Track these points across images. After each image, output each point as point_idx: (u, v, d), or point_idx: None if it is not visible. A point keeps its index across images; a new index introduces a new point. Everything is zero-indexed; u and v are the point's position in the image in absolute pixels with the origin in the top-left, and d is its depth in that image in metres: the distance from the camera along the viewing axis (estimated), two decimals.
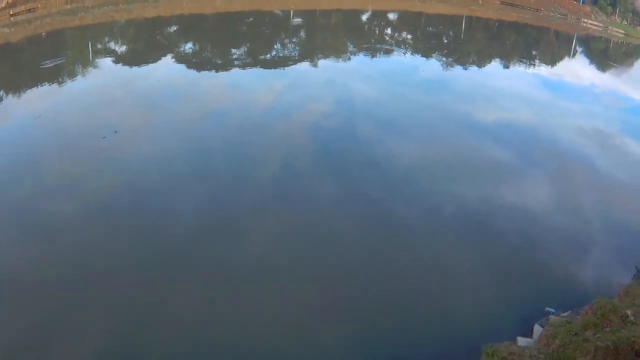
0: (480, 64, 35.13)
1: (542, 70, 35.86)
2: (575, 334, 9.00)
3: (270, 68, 28.21)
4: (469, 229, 13.93)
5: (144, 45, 32.40)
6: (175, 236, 12.79)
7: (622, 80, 37.19)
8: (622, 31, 56.43)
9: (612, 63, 43.22)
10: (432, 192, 15.56)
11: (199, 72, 26.28)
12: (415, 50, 36.52)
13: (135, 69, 26.20)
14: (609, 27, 56.66)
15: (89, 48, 29.41)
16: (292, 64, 29.27)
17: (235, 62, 28.58)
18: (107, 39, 31.92)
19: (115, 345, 9.71)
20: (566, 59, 42.64)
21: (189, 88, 23.32)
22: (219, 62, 29.16)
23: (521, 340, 9.87)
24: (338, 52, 33.11)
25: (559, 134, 21.49)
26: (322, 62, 30.13)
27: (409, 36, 41.02)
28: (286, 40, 36.16)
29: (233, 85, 24.37)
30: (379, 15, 43.93)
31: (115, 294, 10.87)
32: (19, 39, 30.63)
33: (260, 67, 28.05)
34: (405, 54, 34.92)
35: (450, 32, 42.77)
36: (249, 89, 23.79)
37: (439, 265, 12.37)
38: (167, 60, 27.66)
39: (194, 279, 11.43)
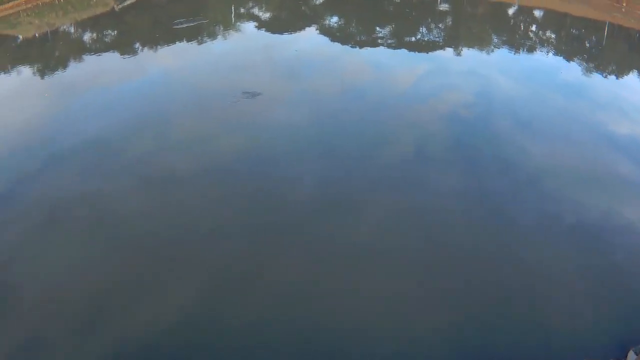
0: (619, 75, 32.47)
1: None
2: None
3: (413, 51, 27.08)
4: (583, 240, 12.69)
5: (289, 14, 32.05)
6: (289, 208, 12.68)
7: None
8: None
9: None
10: (553, 197, 14.25)
11: (342, 46, 25.49)
12: (558, 51, 34.30)
13: (277, 36, 25.97)
14: None
15: (231, 10, 29.60)
16: (435, 50, 28.02)
17: (379, 41, 27.65)
18: (250, 3, 32.06)
19: (199, 308, 9.78)
20: None
21: (329, 61, 22.83)
22: (363, 38, 28.33)
23: None
24: (482, 43, 31.57)
25: None
26: (465, 51, 28.72)
27: (553, 35, 38.66)
28: (432, 25, 34.98)
29: (373, 64, 23.46)
30: (525, 11, 41.69)
31: (213, 256, 10.96)
32: None
33: (404, 49, 27.05)
34: (547, 54, 32.79)
35: (593, 37, 40.05)
36: (389, 69, 22.88)
37: (542, 269, 11.48)
38: (311, 31, 27.22)
39: (298, 253, 11.28)
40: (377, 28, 30.55)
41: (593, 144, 18.05)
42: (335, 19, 31.73)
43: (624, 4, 45.88)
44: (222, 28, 26.53)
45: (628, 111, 23.45)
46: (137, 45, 24.54)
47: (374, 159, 15.06)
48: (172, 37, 24.71)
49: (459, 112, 18.98)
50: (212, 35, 25.35)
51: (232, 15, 28.77)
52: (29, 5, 28.97)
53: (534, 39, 36.39)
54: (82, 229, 12.05)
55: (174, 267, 10.74)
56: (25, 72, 22.17)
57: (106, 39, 26.04)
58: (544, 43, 35.63)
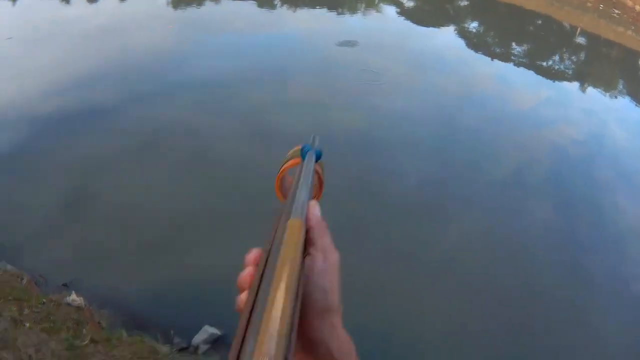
0: None
1: None
2: None
3: (542, 75, 26.62)
4: None
5: (432, 8, 31.97)
6: (377, 201, 12.55)
7: None
8: None
9: None
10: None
11: (476, 52, 25.41)
12: None
13: (415, 26, 26.04)
14: None
15: None
16: (561, 80, 27.48)
17: (512, 57, 27.28)
18: None
19: None
20: None
21: (458, 65, 22.65)
22: (497, 50, 28.08)
23: None
24: (608, 86, 30.78)
25: None
26: (590, 90, 28.10)
27: None
28: (565, 55, 34.23)
29: (500, 77, 23.19)
30: None
31: None
32: None
33: (533, 71, 26.65)
34: None
35: None
36: (513, 87, 22.51)
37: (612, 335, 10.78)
38: (449, 30, 27.18)
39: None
40: (513, 44, 30.18)
41: None
42: (475, 24, 31.52)
43: None
44: (363, 5, 26.76)
45: None
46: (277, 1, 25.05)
47: (474, 170, 14.85)
48: (312, 1, 25.09)
49: (568, 147, 18.36)
50: (352, 10, 25.64)
51: None
52: None
53: None
54: (177, 158, 12.42)
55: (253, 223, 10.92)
56: None
57: None
58: None
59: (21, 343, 6.88)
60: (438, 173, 14.26)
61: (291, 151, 1.58)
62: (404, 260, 11.10)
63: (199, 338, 8.08)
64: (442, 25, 27.64)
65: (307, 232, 1.14)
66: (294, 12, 24.65)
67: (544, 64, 29.66)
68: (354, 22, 24.62)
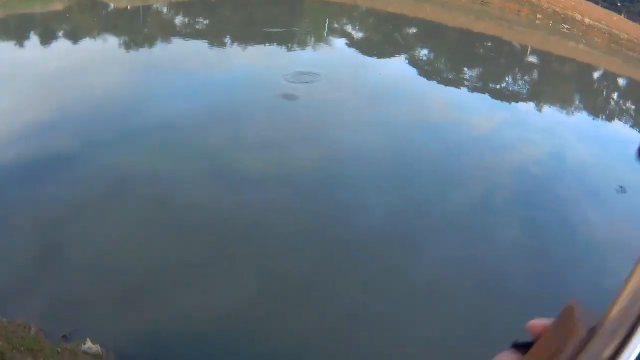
0: None
1: None
2: None
3: (496, 98, 26.46)
4: None
5: (381, 38, 31.69)
6: (350, 232, 12.17)
7: None
8: None
9: None
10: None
11: (428, 80, 25.03)
12: (637, 124, 33.24)
13: (365, 57, 25.68)
14: None
15: (326, 23, 29.47)
16: (517, 101, 27.39)
17: (465, 82, 27.05)
18: (345, 20, 31.90)
19: (243, 306, 9.22)
20: None
21: (412, 92, 22.41)
22: (449, 76, 27.80)
23: None
24: (564, 102, 30.78)
25: None
26: (546, 108, 27.97)
27: (632, 107, 37.58)
28: (518, 75, 34.27)
29: (455, 103, 22.89)
30: (609, 76, 40.72)
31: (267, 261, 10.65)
32: None
33: (487, 94, 26.46)
34: (625, 124, 31.67)
35: None
36: (469, 111, 22.22)
37: None
38: (400, 60, 26.76)
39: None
40: (465, 69, 30.00)
41: None
42: (425, 51, 31.27)
43: None
44: (313, 39, 26.38)
45: None
46: (226, 39, 24.52)
47: (439, 199, 14.52)
48: (262, 39, 24.61)
49: (529, 168, 18.24)
50: (302, 44, 25.24)
51: (325, 28, 28.58)
52: None
53: (613, 106, 35.25)
54: (142, 204, 12.13)
55: (226, 261, 10.59)
56: (111, 41, 22.27)
57: (197, 26, 26.05)
58: (623, 113, 34.53)
59: None
60: (399, 206, 13.79)
61: None
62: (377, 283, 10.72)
63: None
64: (393, 55, 27.33)
65: None
66: (244, 49, 24.09)
67: (498, 86, 29.52)
68: (306, 56, 24.13)
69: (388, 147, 16.67)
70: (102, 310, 9.11)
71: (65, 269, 10.07)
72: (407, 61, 27.03)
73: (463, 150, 17.77)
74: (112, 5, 26.95)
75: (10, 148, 13.71)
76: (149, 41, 23.13)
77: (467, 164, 17.00)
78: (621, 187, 16.85)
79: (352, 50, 26.49)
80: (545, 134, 21.93)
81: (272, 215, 12.19)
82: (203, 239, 11.23)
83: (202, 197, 12.48)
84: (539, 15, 44.44)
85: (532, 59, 39.18)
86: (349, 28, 31.04)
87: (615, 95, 39.77)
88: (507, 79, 32.19)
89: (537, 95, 30.63)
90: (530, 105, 28.05)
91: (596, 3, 45.62)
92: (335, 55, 25.08)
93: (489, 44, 38.61)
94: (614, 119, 31.09)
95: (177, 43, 23.29)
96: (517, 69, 35.58)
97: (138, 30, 24.31)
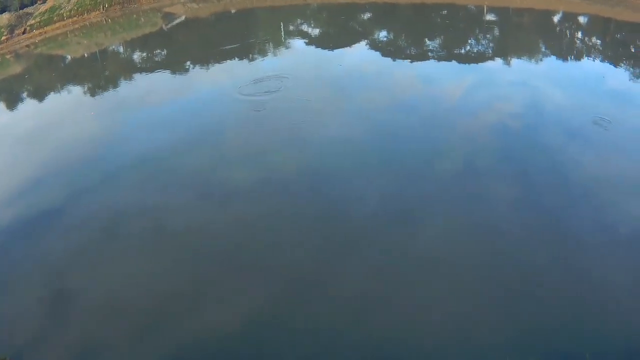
0: None
1: None
2: None
3: (463, 63, 26.54)
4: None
5: (338, 29, 31.71)
6: (347, 221, 12.38)
7: None
8: None
9: None
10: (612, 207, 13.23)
11: (393, 60, 25.08)
12: (604, 57, 33.40)
13: (327, 52, 25.70)
14: None
15: (281, 28, 29.49)
16: (484, 61, 27.41)
17: (429, 54, 27.16)
18: (299, 20, 31.91)
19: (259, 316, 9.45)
20: None
21: (380, 76, 22.38)
22: (413, 52, 27.84)
23: None
24: (530, 53, 30.86)
25: None
26: (514, 62, 28.04)
27: (598, 41, 37.76)
28: (480, 36, 34.35)
29: (424, 77, 22.95)
30: (569, 18, 40.91)
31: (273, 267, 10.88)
32: (207, 14, 31.38)
33: (454, 61, 26.54)
34: (593, 60, 31.87)
35: (638, 41, 38.96)
36: (439, 82, 22.27)
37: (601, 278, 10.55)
38: (361, 46, 26.83)
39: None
40: (427, 40, 30.07)
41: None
42: (384, 33, 31.31)
43: None
44: (272, 46, 26.43)
45: None
46: (187, 64, 24.55)
47: (423, 176, 14.57)
48: (221, 56, 24.66)
49: (508, 123, 18.26)
50: (262, 53, 25.31)
51: (282, 33, 28.61)
52: (77, 26, 29.30)
53: (579, 45, 35.42)
54: (140, 240, 12.21)
55: (234, 278, 10.69)
56: (75, 90, 22.28)
57: (156, 58, 26.05)
58: (590, 50, 34.70)
59: None
60: (390, 184, 13.94)
61: None
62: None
63: None
64: (353, 43, 27.36)
65: None
66: (207, 70, 24.10)
67: (462, 51, 29.55)
68: (267, 64, 24.13)
69: (366, 132, 16.77)
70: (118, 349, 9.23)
71: (76, 315, 10.25)
72: (368, 46, 27.10)
73: (441, 120, 17.85)
74: (69, 57, 26.92)
75: (5, 210, 14.07)
76: (112, 82, 23.21)
77: (449, 132, 17.03)
78: (601, 118, 17.02)
79: (311, 48, 26.51)
80: (518, 86, 22.05)
81: (268, 221, 12.28)
82: (205, 260, 11.34)
83: (196, 218, 12.58)
84: None
85: (490, 17, 39.22)
86: (304, 27, 31.06)
87: (579, 34, 40.00)
88: (470, 42, 32.23)
89: (503, 51, 30.67)
90: (498, 62, 28.04)
91: None
92: (297, 56, 25.15)
93: (445, 12, 38.64)
94: (582, 58, 31.14)
95: (140, 78, 23.37)
96: (477, 30, 35.58)
97: (99, 74, 24.37)
